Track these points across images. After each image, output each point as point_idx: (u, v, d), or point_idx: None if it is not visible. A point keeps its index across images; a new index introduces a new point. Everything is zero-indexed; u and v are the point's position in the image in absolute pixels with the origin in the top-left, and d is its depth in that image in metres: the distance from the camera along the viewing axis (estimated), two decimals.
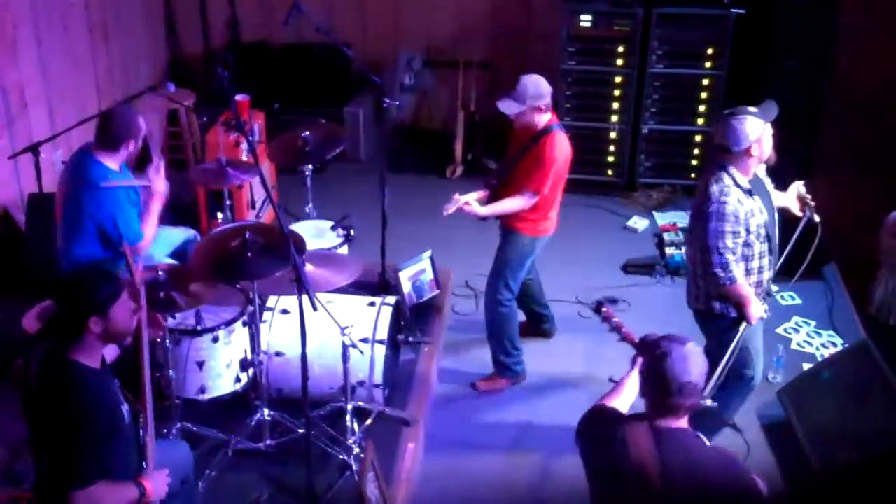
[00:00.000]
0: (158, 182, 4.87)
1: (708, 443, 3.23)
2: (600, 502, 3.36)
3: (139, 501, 3.29)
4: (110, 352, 3.67)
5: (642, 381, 3.32)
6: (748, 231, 4.27)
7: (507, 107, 4.96)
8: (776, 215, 4.48)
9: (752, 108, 4.26)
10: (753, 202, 4.29)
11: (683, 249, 6.72)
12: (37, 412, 3.25)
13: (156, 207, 4.86)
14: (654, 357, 3.21)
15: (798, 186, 4.65)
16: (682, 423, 3.20)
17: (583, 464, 3.42)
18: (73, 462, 3.12)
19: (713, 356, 4.59)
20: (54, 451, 3.17)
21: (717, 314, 4.45)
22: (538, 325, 5.86)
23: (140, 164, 5.11)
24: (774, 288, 4.57)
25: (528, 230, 5.18)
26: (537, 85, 4.94)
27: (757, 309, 4.38)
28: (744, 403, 4.78)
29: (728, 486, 3.10)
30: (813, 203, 4.58)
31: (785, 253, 4.51)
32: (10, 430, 4.50)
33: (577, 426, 3.45)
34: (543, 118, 4.99)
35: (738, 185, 4.25)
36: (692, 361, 3.15)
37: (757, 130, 4.21)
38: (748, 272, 4.36)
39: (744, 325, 4.38)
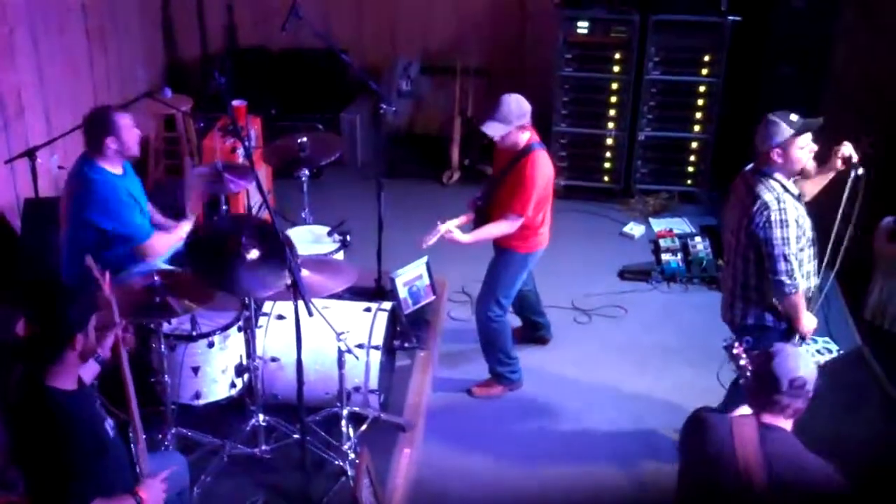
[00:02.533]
0: (185, 226, 4.91)
1: None
2: (693, 491, 3.38)
3: None
4: (90, 370, 3.64)
5: (752, 380, 3.34)
6: (803, 235, 4.25)
7: (493, 129, 4.92)
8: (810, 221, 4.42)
9: (793, 116, 4.21)
10: (802, 207, 4.27)
11: (679, 256, 6.72)
12: (19, 438, 3.22)
13: (174, 240, 4.85)
14: (765, 353, 3.26)
15: (843, 148, 4.43)
16: (787, 424, 3.24)
17: (679, 458, 3.45)
18: (65, 488, 3.11)
19: None
20: (44, 480, 3.15)
21: (769, 327, 4.40)
22: (533, 332, 5.87)
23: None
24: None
25: (520, 248, 5.19)
26: (519, 104, 4.91)
27: (810, 321, 4.37)
28: None
29: (832, 495, 3.12)
30: (857, 157, 4.39)
31: (840, 211, 4.34)
32: (3, 436, 4.50)
33: (684, 424, 3.45)
34: (524, 137, 4.96)
35: (787, 191, 4.22)
36: (802, 361, 3.22)
37: (782, 135, 4.17)
38: (805, 276, 4.33)
39: (797, 337, 4.37)
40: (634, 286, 6.57)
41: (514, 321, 5.68)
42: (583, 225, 7.28)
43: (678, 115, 7.51)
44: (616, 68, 7.41)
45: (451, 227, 5.05)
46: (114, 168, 4.72)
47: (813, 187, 4.51)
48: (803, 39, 7.06)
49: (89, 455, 3.17)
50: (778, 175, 4.23)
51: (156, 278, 4.30)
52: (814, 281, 4.44)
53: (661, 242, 6.91)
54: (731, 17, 7.11)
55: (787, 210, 4.16)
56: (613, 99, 7.50)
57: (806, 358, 3.25)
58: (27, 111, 6.20)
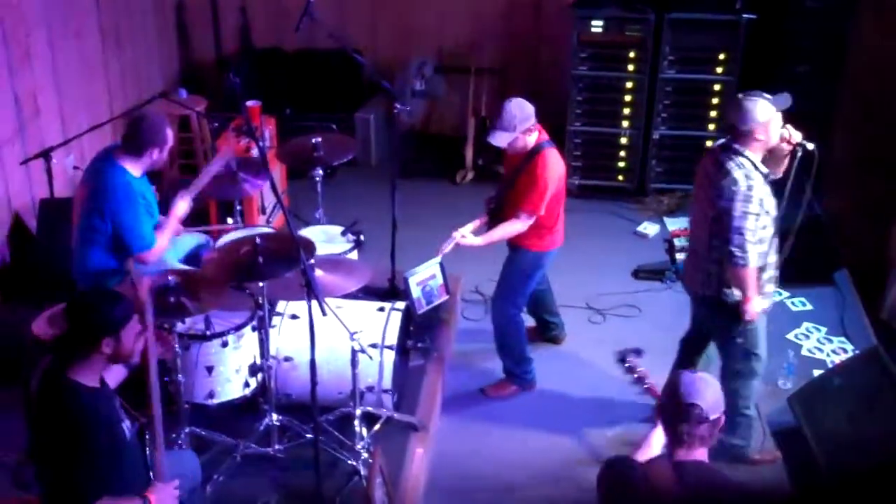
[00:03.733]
0: (181, 204, 4.92)
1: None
2: None
3: None
4: (118, 373, 3.65)
5: (660, 411, 3.24)
6: (766, 213, 4.31)
7: (499, 139, 4.93)
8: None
9: (766, 95, 4.29)
10: (768, 187, 4.33)
11: None
12: (37, 431, 3.25)
13: (172, 224, 4.89)
14: (667, 384, 3.21)
15: (783, 131, 4.43)
16: (701, 455, 3.13)
17: None
18: (75, 482, 3.13)
19: (721, 345, 4.63)
20: (56, 472, 3.18)
21: (725, 302, 4.47)
22: (547, 332, 5.86)
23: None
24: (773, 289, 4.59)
25: (534, 246, 5.18)
26: (521, 108, 4.91)
27: (759, 304, 4.41)
28: (756, 388, 4.77)
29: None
30: (797, 134, 4.43)
31: (787, 187, 4.44)
32: (21, 435, 4.53)
33: (598, 475, 3.33)
34: (532, 138, 4.96)
35: (757, 169, 4.29)
36: (701, 386, 3.10)
37: (766, 114, 4.24)
38: (763, 254, 4.38)
39: (747, 319, 4.43)
40: (649, 286, 6.56)
41: (528, 321, 5.67)
42: (597, 224, 7.27)
43: (693, 114, 7.49)
44: (631, 67, 7.39)
45: (465, 233, 5.09)
46: (135, 170, 4.73)
47: (773, 167, 4.54)
48: (818, 38, 7.03)
49: (103, 452, 3.19)
50: (748, 153, 4.30)
51: (170, 278, 4.31)
52: (773, 258, 4.48)
53: (676, 242, 6.87)
54: (745, 16, 7.09)
55: (754, 187, 4.24)
56: (628, 98, 7.49)
57: (707, 384, 3.13)
58: (43, 112, 6.24)
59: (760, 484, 3.19)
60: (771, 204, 4.35)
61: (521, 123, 4.88)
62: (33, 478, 4.30)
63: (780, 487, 3.36)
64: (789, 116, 4.41)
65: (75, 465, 3.12)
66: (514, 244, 5.24)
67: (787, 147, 4.44)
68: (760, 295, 4.45)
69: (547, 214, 5.04)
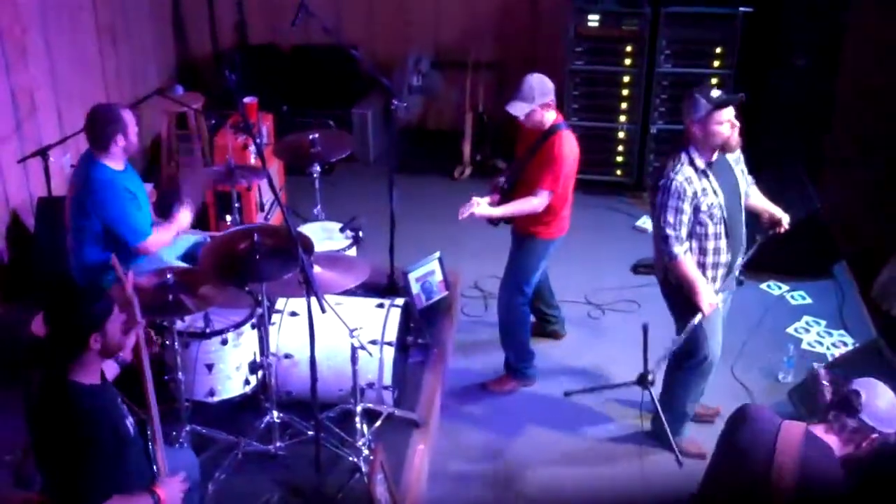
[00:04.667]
0: (183, 216, 4.96)
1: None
2: (714, 481, 3.52)
3: None
4: (110, 370, 3.63)
5: (831, 394, 3.62)
6: (698, 210, 4.34)
7: (517, 108, 4.93)
8: (741, 201, 4.52)
9: (716, 92, 4.32)
10: (706, 182, 4.36)
11: None
12: (41, 435, 3.22)
13: (175, 227, 4.91)
14: (855, 381, 3.39)
15: (782, 216, 4.72)
16: (835, 444, 3.29)
17: (719, 440, 3.55)
18: (84, 483, 3.11)
19: (677, 332, 4.72)
20: (63, 474, 3.15)
21: (673, 286, 4.55)
22: (547, 326, 5.85)
23: (165, 206, 5.13)
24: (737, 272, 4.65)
25: (542, 233, 5.17)
26: (542, 83, 4.93)
27: (708, 295, 4.44)
28: (703, 385, 4.81)
29: None
30: (781, 230, 4.71)
31: (747, 255, 4.67)
32: (21, 433, 4.52)
33: (739, 409, 3.56)
34: (550, 116, 4.97)
35: (691, 164, 4.34)
36: (878, 391, 3.29)
37: (700, 111, 4.28)
38: (702, 251, 4.44)
39: (699, 315, 4.46)
40: (647, 280, 6.53)
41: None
42: (595, 219, 7.26)
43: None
44: (627, 61, 7.38)
45: (482, 202, 5.06)
46: (116, 164, 4.76)
47: (752, 202, 4.70)
48: (816, 30, 7.02)
49: (109, 450, 3.18)
50: (691, 148, 4.35)
51: (169, 276, 4.30)
52: (724, 258, 4.49)
53: None
54: (743, 9, 7.07)
55: (674, 180, 4.30)
56: (625, 92, 7.48)
57: (885, 394, 3.31)
58: (39, 110, 6.22)
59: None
60: (710, 200, 4.35)
61: (540, 97, 4.89)
62: (34, 474, 4.34)
63: None
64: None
65: (82, 466, 3.11)
66: (521, 231, 5.22)
67: (767, 222, 4.70)
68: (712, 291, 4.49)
69: (558, 196, 5.03)
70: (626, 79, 7.44)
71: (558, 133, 4.95)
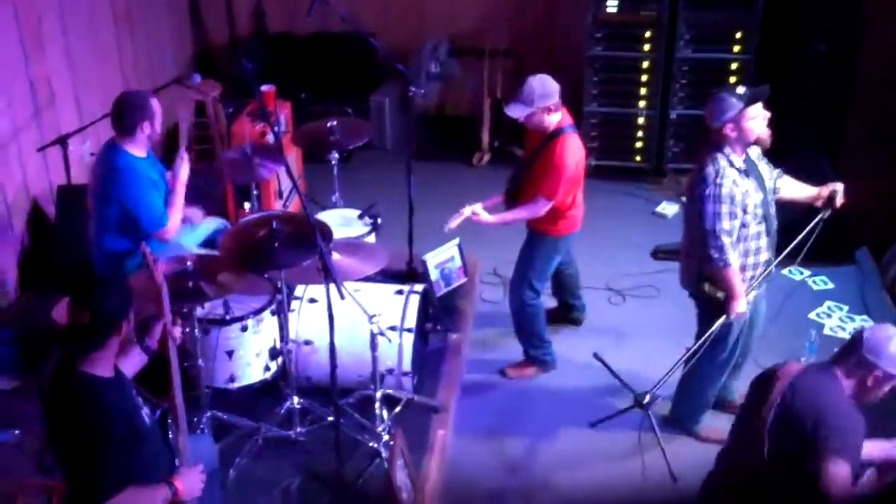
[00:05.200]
0: (182, 168, 4.92)
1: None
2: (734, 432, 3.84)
3: (173, 501, 3.29)
4: (138, 361, 3.59)
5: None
6: (745, 212, 4.28)
7: (515, 110, 4.88)
8: (770, 196, 4.47)
9: (741, 89, 4.26)
10: (749, 182, 4.30)
11: None
12: (54, 424, 3.22)
13: (180, 192, 4.89)
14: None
15: (836, 189, 4.58)
16: (843, 379, 3.45)
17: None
18: (98, 474, 3.10)
19: (699, 334, 4.66)
20: (77, 465, 3.15)
21: (706, 296, 4.48)
22: (567, 314, 5.84)
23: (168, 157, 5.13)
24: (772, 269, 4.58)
25: (551, 231, 5.15)
26: (544, 85, 4.84)
27: (741, 305, 4.39)
28: (719, 380, 4.82)
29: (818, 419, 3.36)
30: (838, 203, 4.56)
31: (794, 243, 4.55)
32: (43, 419, 4.56)
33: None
34: (554, 119, 4.90)
35: (732, 166, 4.26)
36: (888, 334, 3.42)
37: (732, 110, 4.21)
38: (745, 253, 4.38)
39: (723, 317, 4.40)
40: (667, 266, 6.51)
41: (549, 302, 5.65)
42: (615, 205, 7.23)
43: (709, 93, 7.39)
44: (646, 47, 7.34)
45: (477, 210, 5.03)
46: (139, 151, 4.77)
47: (789, 194, 4.60)
48: (835, 15, 6.94)
49: (123, 442, 3.17)
50: (727, 149, 4.28)
51: (188, 263, 4.31)
52: (764, 257, 4.45)
53: None
54: None
55: (723, 185, 4.21)
56: (644, 78, 7.44)
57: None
58: (58, 99, 6.23)
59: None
60: (755, 200, 4.30)
61: (541, 99, 4.82)
62: (55, 462, 4.36)
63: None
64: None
65: (95, 457, 3.10)
66: (532, 228, 5.21)
67: (819, 202, 4.56)
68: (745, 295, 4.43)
69: (563, 199, 5.00)
70: (646, 64, 7.40)
71: (561, 137, 4.88)
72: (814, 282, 6.18)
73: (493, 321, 5.91)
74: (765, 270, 4.49)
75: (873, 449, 3.58)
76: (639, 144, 7.66)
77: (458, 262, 5.88)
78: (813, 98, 7.06)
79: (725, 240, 4.25)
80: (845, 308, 5.93)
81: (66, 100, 6.33)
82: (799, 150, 6.50)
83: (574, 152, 4.92)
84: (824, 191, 4.57)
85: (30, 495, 4.28)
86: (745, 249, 4.38)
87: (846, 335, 5.68)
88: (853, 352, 3.44)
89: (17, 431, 4.66)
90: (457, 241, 5.88)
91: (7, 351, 5.10)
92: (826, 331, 5.72)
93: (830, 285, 6.17)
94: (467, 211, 5.01)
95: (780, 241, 4.57)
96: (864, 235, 6.43)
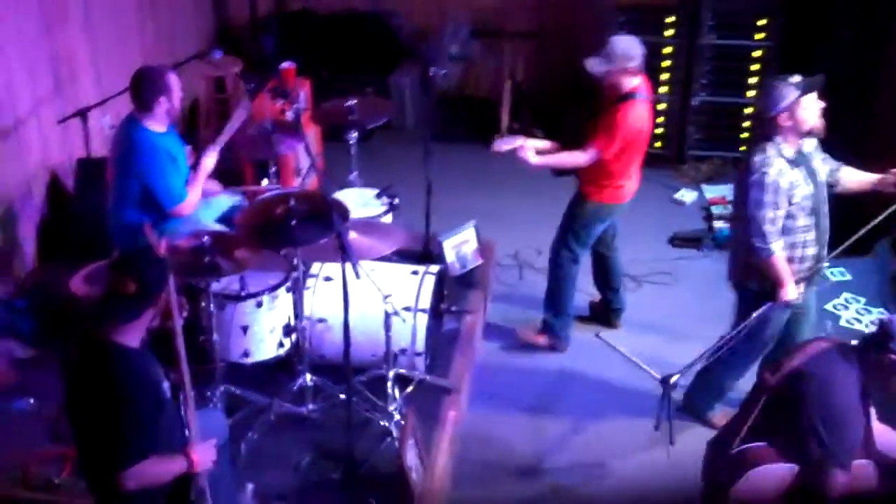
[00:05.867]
0: (208, 157, 4.96)
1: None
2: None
3: (187, 472, 3.33)
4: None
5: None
6: (790, 202, 4.23)
7: (594, 65, 4.87)
8: (824, 191, 4.40)
9: (795, 78, 4.21)
10: (797, 173, 4.25)
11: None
12: (79, 394, 3.24)
13: (202, 176, 4.91)
14: None
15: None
16: (866, 372, 3.57)
17: None
18: (122, 442, 3.14)
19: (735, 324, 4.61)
20: (102, 434, 3.17)
21: (751, 289, 4.43)
22: (605, 310, 5.75)
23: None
24: (825, 265, 4.53)
25: (594, 195, 5.13)
26: (629, 47, 4.86)
27: (790, 291, 4.33)
28: (744, 373, 4.77)
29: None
30: None
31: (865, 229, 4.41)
32: (58, 390, 4.59)
33: None
34: (630, 82, 4.88)
35: (781, 155, 4.22)
36: None
37: (788, 99, 4.16)
38: (792, 246, 4.33)
39: (769, 304, 4.34)
40: (684, 253, 6.50)
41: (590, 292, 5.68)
42: None
43: (732, 80, 7.38)
44: (669, 32, 7.29)
45: (528, 146, 5.02)
46: (158, 127, 4.78)
47: (852, 184, 4.52)
48: (862, 3, 6.87)
49: (148, 412, 3.20)
50: (778, 139, 4.23)
51: (205, 238, 4.32)
52: (811, 251, 4.40)
53: (713, 209, 6.82)
54: None
55: (768, 174, 4.17)
56: (666, 63, 7.39)
57: None
58: (79, 73, 6.25)
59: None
60: (803, 192, 4.26)
61: (621, 60, 4.82)
62: (69, 431, 4.40)
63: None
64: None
65: (122, 426, 3.13)
66: (578, 188, 5.21)
67: (892, 187, 4.43)
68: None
69: (616, 164, 4.99)
70: (668, 50, 7.34)
71: (630, 102, 4.88)
72: (831, 272, 6.14)
73: (508, 304, 5.91)
74: (814, 265, 4.43)
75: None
76: (659, 130, 7.61)
77: (474, 245, 5.88)
78: (838, 87, 6.97)
79: (769, 228, 4.21)
80: (862, 300, 5.88)
81: (86, 73, 6.34)
82: (823, 139, 6.45)
83: (638, 119, 4.92)
84: (890, 177, 4.45)
85: (43, 463, 4.33)
86: (792, 242, 4.33)
87: (862, 328, 5.64)
88: (883, 342, 3.46)
89: (31, 400, 4.70)
90: (473, 223, 5.88)
91: (25, 321, 5.14)
92: (842, 322, 5.68)
93: (848, 276, 6.12)
94: (520, 142, 5.00)
95: (833, 236, 4.49)
96: (885, 227, 6.36)
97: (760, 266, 4.33)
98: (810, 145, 4.40)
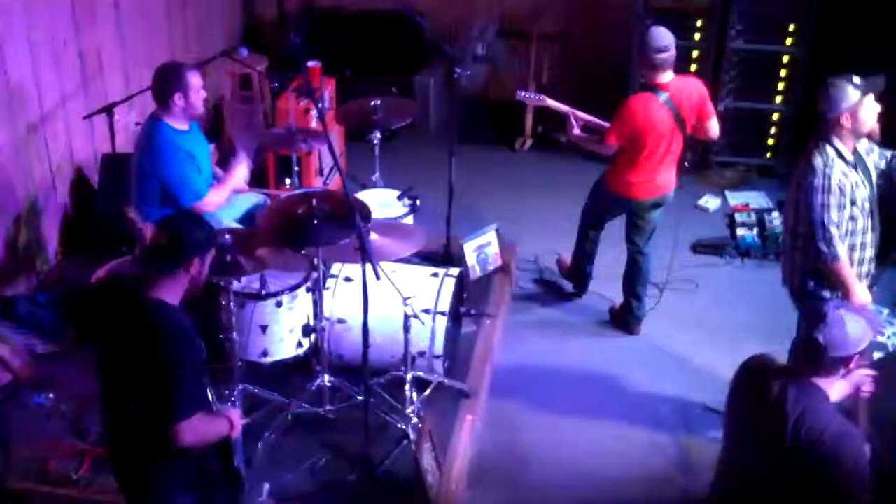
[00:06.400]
0: (237, 169, 4.99)
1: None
2: (737, 437, 3.62)
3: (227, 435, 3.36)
4: None
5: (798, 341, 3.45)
6: (853, 204, 4.18)
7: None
8: (876, 191, 4.35)
9: (856, 78, 4.15)
10: (857, 175, 4.20)
11: (755, 231, 6.58)
12: (128, 353, 3.20)
13: (230, 184, 4.94)
14: (815, 314, 3.36)
15: None
16: (822, 382, 3.34)
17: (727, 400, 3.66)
18: (175, 397, 3.11)
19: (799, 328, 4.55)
20: (152, 391, 3.13)
21: (810, 293, 4.36)
22: (625, 316, 5.74)
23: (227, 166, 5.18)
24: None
25: (608, 180, 5.36)
26: (653, 37, 4.98)
27: (863, 293, 4.28)
28: None
29: (839, 452, 3.22)
30: None
31: None
32: (79, 384, 4.63)
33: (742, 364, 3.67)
34: (656, 76, 5.01)
35: (841, 157, 4.16)
36: (834, 320, 3.27)
37: (849, 99, 4.11)
38: (852, 247, 4.27)
39: None
40: (707, 260, 6.46)
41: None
42: None
43: (759, 86, 7.31)
44: (697, 36, 7.23)
45: (574, 116, 5.32)
46: (179, 124, 4.80)
47: None
48: (894, 7, 6.78)
49: (195, 367, 3.20)
50: (836, 141, 4.17)
51: (227, 237, 4.33)
52: (869, 253, 4.35)
53: (737, 216, 6.77)
54: None
55: (832, 177, 4.11)
56: (693, 67, 7.31)
57: (843, 321, 3.27)
58: (106, 68, 6.29)
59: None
60: (863, 194, 4.20)
61: (645, 50, 4.98)
62: (90, 426, 4.43)
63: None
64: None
65: (176, 382, 3.10)
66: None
67: None
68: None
69: (626, 155, 5.14)
70: (695, 54, 7.29)
71: (640, 94, 5.04)
72: None
73: (527, 308, 5.89)
74: (871, 268, 4.39)
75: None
76: None
77: (495, 248, 5.86)
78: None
79: (834, 231, 4.14)
80: (885, 311, 5.80)
81: (114, 70, 6.38)
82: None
83: (644, 109, 5.00)
84: None
85: (62, 458, 4.36)
86: (852, 244, 4.27)
87: (885, 339, 5.57)
88: (820, 359, 3.29)
89: (51, 395, 4.73)
90: (495, 226, 5.86)
91: (47, 315, 5.17)
92: None
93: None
94: (568, 109, 5.28)
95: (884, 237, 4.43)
96: None
97: (823, 272, 4.25)
98: (863, 146, 4.35)
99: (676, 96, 5.04)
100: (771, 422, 3.33)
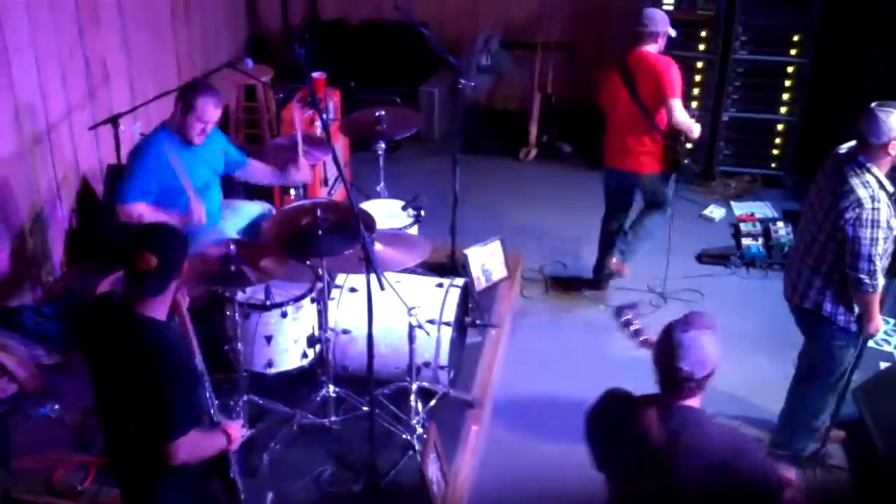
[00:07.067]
0: (194, 213, 4.71)
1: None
2: (617, 485, 3.47)
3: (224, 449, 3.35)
4: None
5: (654, 363, 3.30)
6: (890, 236, 4.13)
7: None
8: None
9: None
10: (891, 203, 4.13)
11: (760, 241, 6.57)
12: (114, 371, 3.20)
13: (165, 219, 4.58)
14: (659, 338, 3.25)
15: None
16: (692, 402, 3.20)
17: (590, 451, 3.53)
18: (170, 415, 3.09)
19: (810, 358, 4.54)
20: (145, 409, 3.12)
21: (826, 317, 4.32)
22: (597, 273, 6.14)
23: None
24: None
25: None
26: (645, 12, 5.65)
27: (880, 322, 4.29)
28: (827, 403, 4.63)
29: (739, 469, 3.07)
30: None
31: None
32: (83, 395, 4.62)
33: (590, 406, 3.50)
34: (638, 48, 5.58)
35: (882, 188, 4.07)
36: (689, 345, 3.13)
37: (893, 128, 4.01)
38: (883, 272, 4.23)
39: (861, 339, 4.31)
40: (712, 270, 6.45)
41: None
42: None
43: (764, 96, 7.32)
44: (702, 46, 7.25)
45: None
46: (182, 134, 4.78)
47: None
48: None
49: (190, 383, 3.19)
50: (875, 169, 4.07)
51: (231, 247, 4.33)
52: (884, 278, 4.29)
53: (742, 226, 6.76)
54: None
55: (880, 210, 4.02)
56: (698, 78, 7.34)
57: (696, 341, 3.14)
58: (112, 79, 6.30)
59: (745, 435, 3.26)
60: (893, 223, 4.14)
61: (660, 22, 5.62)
62: (94, 437, 4.41)
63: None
64: None
65: (171, 399, 3.08)
66: None
67: None
68: None
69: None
70: (700, 64, 7.30)
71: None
72: None
73: (532, 318, 5.88)
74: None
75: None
76: (689, 145, 7.54)
77: (500, 258, 5.86)
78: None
79: (878, 263, 4.08)
80: (891, 322, 5.81)
81: (119, 80, 6.40)
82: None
83: (607, 80, 5.60)
84: None
85: (67, 470, 4.36)
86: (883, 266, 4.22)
87: (891, 349, 5.57)
88: (689, 385, 3.16)
89: (56, 406, 4.73)
90: (499, 237, 5.86)
91: (52, 326, 5.18)
92: (870, 343, 5.57)
93: None
94: None
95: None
96: None
97: (857, 300, 4.21)
98: None
99: (631, 63, 5.60)
100: (656, 455, 3.17)
